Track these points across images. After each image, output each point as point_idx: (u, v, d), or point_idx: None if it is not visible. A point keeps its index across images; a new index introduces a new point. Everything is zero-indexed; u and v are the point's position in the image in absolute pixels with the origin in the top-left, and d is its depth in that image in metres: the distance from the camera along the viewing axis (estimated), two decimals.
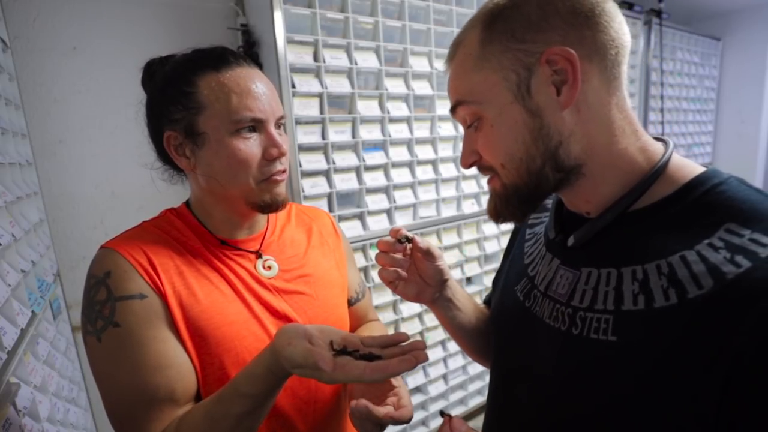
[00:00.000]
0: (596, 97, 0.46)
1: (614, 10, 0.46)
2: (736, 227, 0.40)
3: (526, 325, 0.56)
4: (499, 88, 0.47)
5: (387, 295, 1.71)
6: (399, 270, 0.64)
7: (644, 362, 0.41)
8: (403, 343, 0.53)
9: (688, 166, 0.48)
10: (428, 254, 0.63)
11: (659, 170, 0.46)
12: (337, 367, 0.47)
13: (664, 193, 0.46)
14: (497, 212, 0.53)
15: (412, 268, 0.66)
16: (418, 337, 1.84)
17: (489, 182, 0.53)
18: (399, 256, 0.65)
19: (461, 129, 1.86)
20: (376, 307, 1.68)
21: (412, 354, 0.48)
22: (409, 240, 0.63)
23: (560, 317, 0.50)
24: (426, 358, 0.48)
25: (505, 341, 0.62)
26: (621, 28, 0.46)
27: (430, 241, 0.65)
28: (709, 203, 0.43)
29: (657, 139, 0.51)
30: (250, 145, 0.61)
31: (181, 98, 0.60)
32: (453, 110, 0.52)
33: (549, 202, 0.68)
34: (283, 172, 0.64)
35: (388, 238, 0.64)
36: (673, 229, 0.44)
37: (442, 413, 0.51)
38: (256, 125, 0.61)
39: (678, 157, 0.49)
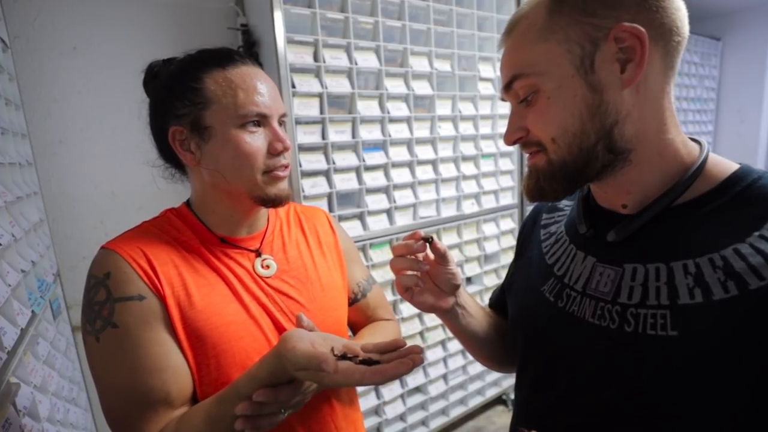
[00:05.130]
0: (655, 82, 0.47)
1: (681, 1, 0.47)
2: None
3: (563, 326, 0.55)
4: (561, 59, 0.46)
5: (386, 296, 1.71)
6: (418, 274, 0.62)
7: (708, 351, 0.42)
8: (401, 349, 0.55)
9: (724, 162, 0.49)
10: (443, 258, 0.62)
11: (701, 165, 0.48)
12: (338, 370, 0.49)
13: (705, 189, 0.47)
14: (539, 189, 0.52)
15: (425, 276, 0.64)
16: (418, 337, 1.84)
17: (530, 159, 0.53)
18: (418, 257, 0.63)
19: (461, 129, 1.87)
20: None
21: (409, 357, 0.51)
22: (429, 241, 0.62)
23: (607, 315, 0.50)
24: (422, 361, 0.51)
25: (537, 344, 0.60)
26: (685, 19, 0.47)
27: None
28: (751, 197, 0.45)
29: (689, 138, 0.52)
30: (256, 139, 0.62)
31: (188, 93, 0.61)
32: (507, 86, 0.51)
33: (563, 204, 0.67)
34: (287, 166, 0.66)
35: (405, 241, 0.62)
36: (717, 223, 0.45)
37: (516, 429, 0.51)
38: (261, 120, 0.63)
39: (713, 154, 0.50)
